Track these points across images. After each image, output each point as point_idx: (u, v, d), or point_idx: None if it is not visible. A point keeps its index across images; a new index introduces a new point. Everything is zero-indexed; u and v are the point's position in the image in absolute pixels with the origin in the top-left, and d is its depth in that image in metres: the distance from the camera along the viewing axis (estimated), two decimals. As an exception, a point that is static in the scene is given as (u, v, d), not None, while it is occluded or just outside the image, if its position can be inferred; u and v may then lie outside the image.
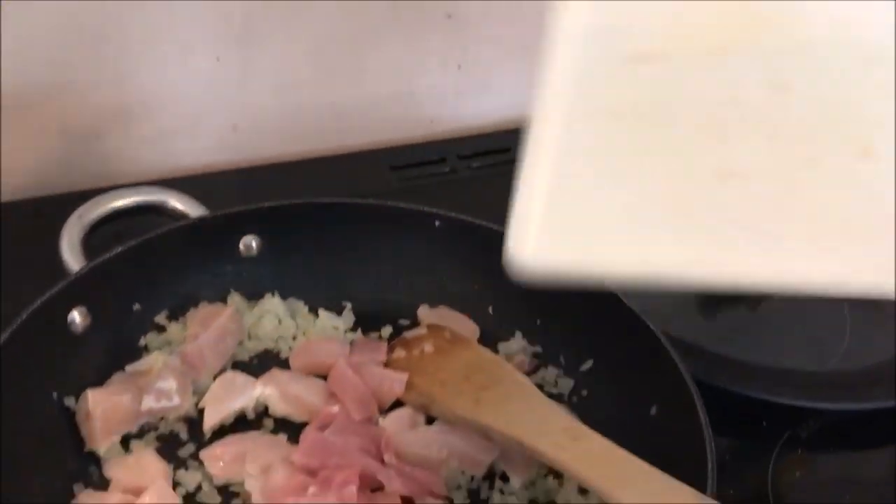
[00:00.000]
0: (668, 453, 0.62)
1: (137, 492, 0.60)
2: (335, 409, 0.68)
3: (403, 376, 0.71)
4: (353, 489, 0.60)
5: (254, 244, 0.78)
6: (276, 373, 0.71)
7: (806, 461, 0.74)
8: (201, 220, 0.76)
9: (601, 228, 0.40)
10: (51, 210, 0.80)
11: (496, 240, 0.79)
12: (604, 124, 0.38)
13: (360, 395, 0.69)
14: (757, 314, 0.83)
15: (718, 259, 0.40)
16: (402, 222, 0.80)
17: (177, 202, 0.78)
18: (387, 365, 0.73)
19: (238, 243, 0.78)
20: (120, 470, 0.62)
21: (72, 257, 0.72)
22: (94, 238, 0.76)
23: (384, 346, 0.75)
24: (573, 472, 0.58)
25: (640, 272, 0.41)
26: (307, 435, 0.65)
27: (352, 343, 0.76)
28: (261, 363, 0.75)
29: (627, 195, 0.40)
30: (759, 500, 0.70)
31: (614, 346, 0.73)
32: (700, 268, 0.40)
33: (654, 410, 0.68)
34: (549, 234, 0.41)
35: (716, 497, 0.56)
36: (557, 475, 0.66)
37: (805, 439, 0.74)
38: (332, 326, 0.78)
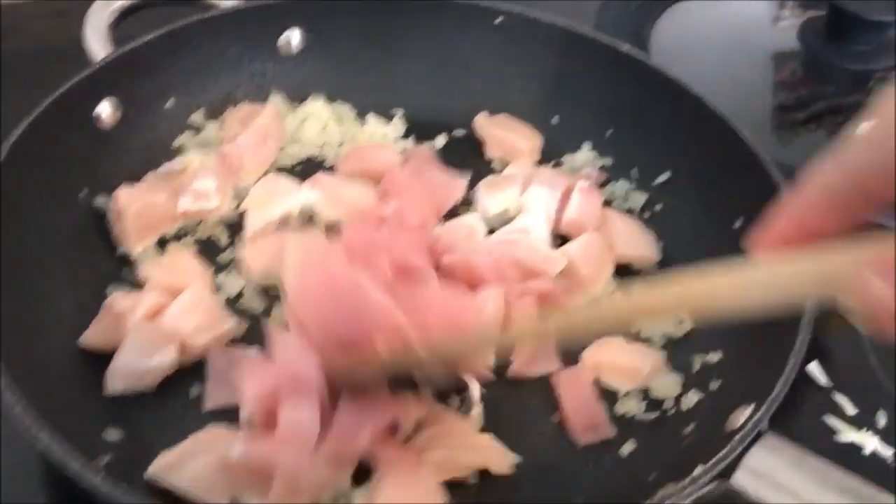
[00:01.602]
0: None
1: (175, 292, 0.55)
2: (389, 208, 0.62)
3: (463, 181, 0.64)
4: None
5: (295, 40, 0.71)
6: (323, 176, 0.65)
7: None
8: (235, 10, 0.68)
9: None
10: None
11: (565, 40, 0.74)
12: None
13: (416, 196, 0.63)
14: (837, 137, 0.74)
15: None
16: (460, 18, 0.72)
17: (211, -9, 0.70)
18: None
19: (278, 38, 0.70)
20: (156, 269, 0.57)
21: (98, 45, 0.65)
22: (123, 28, 0.68)
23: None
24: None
25: None
26: (352, 227, 0.58)
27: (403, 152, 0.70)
28: (304, 170, 0.68)
29: None
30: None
31: (696, 156, 0.66)
32: None
33: (738, 223, 0.61)
34: None
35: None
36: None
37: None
38: (381, 134, 0.71)
